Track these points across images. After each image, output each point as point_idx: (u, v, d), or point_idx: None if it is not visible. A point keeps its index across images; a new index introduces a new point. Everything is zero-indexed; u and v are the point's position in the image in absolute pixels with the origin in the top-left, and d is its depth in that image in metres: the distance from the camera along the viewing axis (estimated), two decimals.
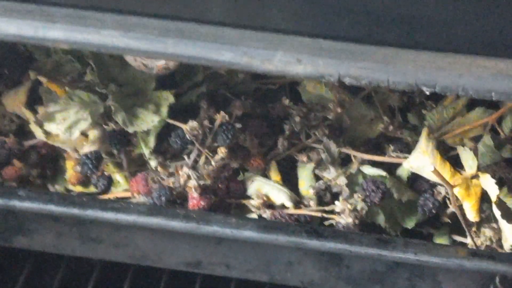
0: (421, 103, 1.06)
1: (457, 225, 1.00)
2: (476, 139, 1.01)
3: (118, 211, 0.94)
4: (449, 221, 1.01)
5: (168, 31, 0.73)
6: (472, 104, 1.03)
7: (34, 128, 1.03)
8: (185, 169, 0.98)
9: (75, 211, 0.94)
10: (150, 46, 0.73)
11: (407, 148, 1.02)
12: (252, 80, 1.07)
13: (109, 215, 0.94)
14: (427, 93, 0.71)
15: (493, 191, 0.91)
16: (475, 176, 0.94)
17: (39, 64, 1.04)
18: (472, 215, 0.95)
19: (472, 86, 0.70)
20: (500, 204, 0.91)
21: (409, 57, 0.71)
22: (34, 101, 1.05)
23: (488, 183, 0.91)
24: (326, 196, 1.02)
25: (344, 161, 1.03)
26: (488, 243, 0.98)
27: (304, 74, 0.72)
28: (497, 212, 0.91)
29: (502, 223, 0.92)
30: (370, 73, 0.71)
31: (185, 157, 1.00)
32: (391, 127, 1.04)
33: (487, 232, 0.98)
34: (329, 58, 0.72)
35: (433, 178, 0.94)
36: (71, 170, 1.05)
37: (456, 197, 0.94)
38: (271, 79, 1.08)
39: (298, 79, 1.04)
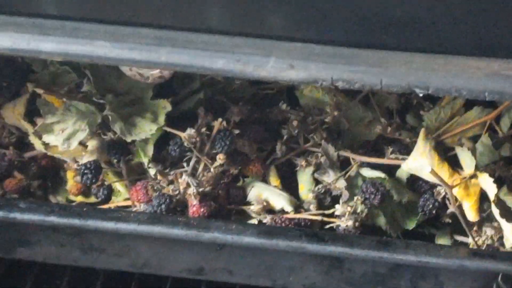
0: (419, 104, 1.06)
1: (459, 225, 1.00)
2: (475, 139, 1.01)
3: (118, 220, 0.94)
4: (450, 221, 1.01)
5: (161, 40, 0.73)
6: (470, 103, 1.03)
7: (33, 139, 1.03)
8: (184, 177, 0.98)
9: (75, 221, 0.95)
10: (143, 56, 0.73)
11: (406, 150, 1.02)
12: (250, 86, 1.07)
13: (109, 225, 0.94)
14: (421, 95, 0.72)
15: (492, 190, 0.91)
16: (474, 176, 0.94)
17: (37, 76, 1.04)
18: (471, 215, 0.95)
19: (465, 87, 0.71)
20: (499, 203, 0.91)
21: (401, 60, 0.72)
22: (33, 113, 1.05)
23: (487, 182, 0.91)
24: (326, 199, 1.02)
25: (343, 164, 1.03)
26: (489, 242, 0.98)
27: (297, 79, 0.72)
28: (495, 211, 0.91)
29: (502, 222, 0.92)
30: (363, 77, 0.72)
31: (184, 164, 1.00)
32: (389, 129, 1.04)
33: (488, 231, 0.98)
34: (321, 62, 0.72)
35: (432, 178, 0.94)
36: (71, 180, 1.06)
37: (455, 197, 0.94)
38: (268, 84, 1.08)
39: (292, 85, 1.04)
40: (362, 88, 0.72)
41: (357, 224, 0.98)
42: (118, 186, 1.05)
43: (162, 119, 0.98)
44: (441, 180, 0.90)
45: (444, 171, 0.93)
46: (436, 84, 0.71)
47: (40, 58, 0.77)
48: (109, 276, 1.18)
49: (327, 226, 0.99)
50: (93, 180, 0.99)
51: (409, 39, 0.71)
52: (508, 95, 0.70)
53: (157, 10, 0.74)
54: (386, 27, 0.71)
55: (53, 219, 0.95)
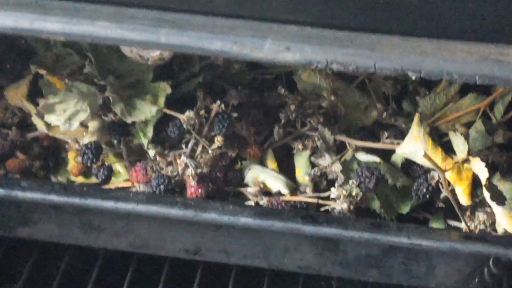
0: (415, 90, 1.08)
1: (452, 210, 1.01)
2: (469, 125, 1.03)
3: (118, 199, 0.96)
4: (443, 206, 1.03)
5: (161, 21, 0.75)
6: (464, 90, 1.04)
7: (35, 120, 1.05)
8: (183, 158, 1.00)
9: (75, 200, 0.96)
10: (143, 37, 0.75)
11: (402, 135, 1.03)
12: (249, 71, 1.09)
13: (109, 204, 0.96)
14: (413, 78, 0.73)
15: (483, 174, 0.92)
16: (466, 161, 0.95)
17: (40, 58, 1.05)
18: (464, 199, 0.96)
19: (457, 70, 0.72)
20: (490, 186, 0.92)
21: (395, 43, 0.73)
22: (35, 94, 1.07)
23: (478, 166, 0.93)
24: (322, 182, 1.04)
25: (339, 148, 1.04)
26: (482, 227, 1.00)
27: (293, 61, 0.74)
28: (486, 195, 0.93)
29: (493, 205, 0.94)
30: (357, 59, 0.73)
31: (183, 146, 1.02)
32: (385, 114, 1.05)
33: (481, 216, 1.00)
34: (317, 45, 0.73)
35: (426, 163, 0.95)
36: (72, 161, 1.07)
37: (448, 181, 0.96)
38: (267, 69, 1.10)
39: (289, 67, 1.06)
40: (356, 71, 0.73)
41: (351, 207, 0.99)
42: (118, 167, 1.06)
43: (162, 101, 1.00)
44: (434, 163, 0.91)
45: (437, 156, 0.95)
46: (428, 68, 0.72)
47: (43, 37, 0.78)
48: (108, 256, 1.20)
49: (323, 209, 1.01)
50: (94, 160, 1.00)
51: (403, 23, 0.73)
52: (498, 79, 0.71)
53: None
54: (380, 12, 0.73)
55: (54, 197, 0.97)
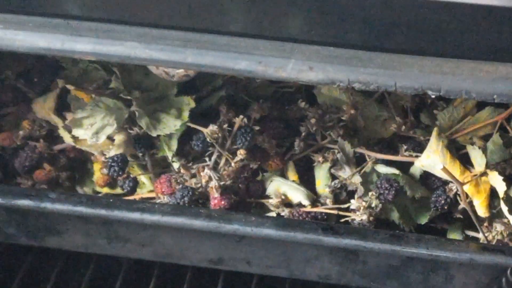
0: (433, 103, 1.10)
1: (470, 220, 1.03)
2: (486, 138, 1.05)
3: (143, 211, 0.98)
4: (461, 216, 1.04)
5: (187, 42, 0.77)
6: (482, 104, 1.06)
7: (62, 133, 1.08)
8: (207, 171, 1.02)
9: (102, 212, 0.99)
10: (171, 57, 0.77)
11: (420, 147, 1.06)
12: (270, 84, 1.11)
13: (135, 215, 0.98)
14: (433, 96, 0.75)
15: (501, 187, 0.94)
16: (484, 174, 0.97)
17: (67, 72, 1.08)
18: (481, 211, 0.98)
19: (475, 89, 0.74)
20: (508, 200, 0.94)
21: (415, 63, 0.75)
22: (62, 107, 1.10)
23: (496, 180, 0.95)
24: (342, 194, 1.06)
25: (358, 161, 1.06)
26: (499, 237, 1.02)
27: (316, 80, 0.76)
28: (504, 208, 0.94)
29: (511, 218, 0.96)
30: (378, 79, 0.75)
31: (206, 159, 1.04)
32: (403, 127, 1.07)
33: (498, 227, 1.01)
34: (339, 65, 0.76)
35: (444, 175, 0.97)
36: (98, 172, 1.10)
37: (466, 193, 0.98)
38: (288, 83, 1.12)
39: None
40: (377, 89, 0.75)
41: (371, 218, 1.01)
42: (143, 178, 1.09)
43: (186, 115, 1.02)
44: (453, 177, 0.93)
45: (455, 169, 0.97)
46: (447, 87, 0.74)
47: (74, 57, 0.80)
48: (132, 265, 1.23)
49: (343, 220, 1.03)
50: (120, 173, 1.03)
51: (422, 44, 0.75)
52: None
53: (184, 13, 0.78)
54: (400, 32, 0.75)
55: (81, 209, 0.99)
